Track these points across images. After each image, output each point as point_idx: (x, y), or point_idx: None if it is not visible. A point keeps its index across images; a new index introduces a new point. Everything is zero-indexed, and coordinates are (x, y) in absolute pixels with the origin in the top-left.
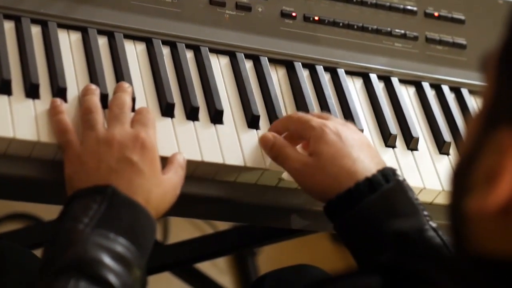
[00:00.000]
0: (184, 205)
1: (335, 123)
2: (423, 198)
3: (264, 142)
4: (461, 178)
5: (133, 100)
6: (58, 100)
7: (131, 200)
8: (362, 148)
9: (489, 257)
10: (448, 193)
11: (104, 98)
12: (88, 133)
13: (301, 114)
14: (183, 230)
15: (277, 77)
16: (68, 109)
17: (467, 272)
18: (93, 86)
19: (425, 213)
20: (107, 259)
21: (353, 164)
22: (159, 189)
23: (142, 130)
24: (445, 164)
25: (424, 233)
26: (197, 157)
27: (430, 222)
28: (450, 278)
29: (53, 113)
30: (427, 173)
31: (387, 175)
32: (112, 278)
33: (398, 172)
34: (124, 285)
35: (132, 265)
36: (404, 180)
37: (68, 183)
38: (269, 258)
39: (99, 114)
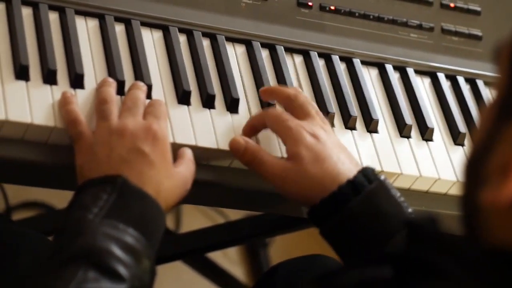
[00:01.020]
0: (197, 192)
1: (312, 125)
2: (437, 189)
3: (234, 147)
4: (474, 169)
5: (149, 90)
6: (69, 92)
7: (141, 191)
8: (340, 149)
9: (502, 248)
10: (461, 183)
11: (121, 85)
12: (101, 123)
13: (278, 112)
14: (195, 219)
15: (293, 66)
16: (84, 96)
17: (478, 263)
18: (110, 80)
19: (409, 210)
20: (116, 250)
21: (335, 166)
22: (170, 181)
23: (154, 121)
24: (460, 155)
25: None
26: (213, 145)
27: None
28: (462, 268)
29: (63, 104)
30: (442, 164)
31: (368, 175)
32: (121, 269)
33: (377, 171)
34: (133, 275)
35: (141, 255)
36: (386, 178)
37: (79, 173)
38: (281, 248)
39: (113, 105)
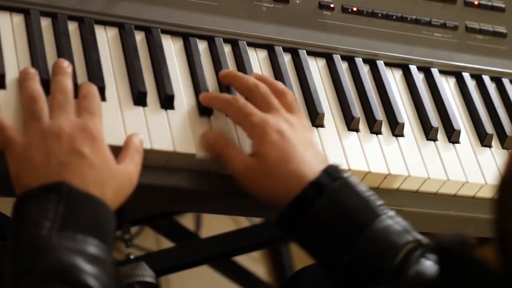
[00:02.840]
0: (220, 201)
1: (277, 119)
2: (465, 192)
3: (205, 139)
4: (507, 195)
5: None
6: None
7: (88, 195)
8: (306, 147)
9: None
10: (493, 205)
11: (143, 96)
12: (32, 125)
13: (241, 104)
14: (215, 220)
15: (317, 70)
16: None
17: None
18: (32, 71)
19: (379, 202)
20: (82, 263)
21: (299, 166)
22: (114, 181)
23: (89, 119)
24: (487, 157)
25: (398, 238)
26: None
27: (386, 211)
28: None
29: None
30: (469, 167)
31: (332, 173)
32: (92, 281)
33: (342, 167)
34: (104, 286)
35: (106, 263)
36: (350, 175)
37: (16, 182)
38: None
39: (43, 103)
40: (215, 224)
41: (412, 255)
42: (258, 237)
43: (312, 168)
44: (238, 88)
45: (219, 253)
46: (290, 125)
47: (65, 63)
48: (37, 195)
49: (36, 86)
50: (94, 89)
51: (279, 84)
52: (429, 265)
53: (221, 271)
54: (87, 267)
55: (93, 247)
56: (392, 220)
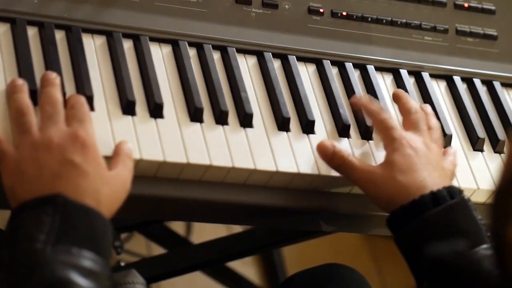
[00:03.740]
0: (214, 211)
1: (416, 138)
2: None
3: (322, 151)
4: (502, 204)
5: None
6: None
7: (84, 206)
8: (435, 167)
9: None
10: (490, 217)
11: (131, 105)
12: (22, 138)
13: (385, 117)
14: (206, 225)
15: (307, 75)
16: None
17: None
18: (20, 82)
19: (488, 234)
20: (77, 277)
21: (423, 179)
22: (108, 187)
23: (79, 127)
24: (479, 162)
25: (464, 257)
26: (227, 163)
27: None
28: None
29: None
30: (461, 171)
31: (453, 192)
32: None
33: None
34: None
35: (101, 277)
36: (469, 200)
37: (11, 196)
38: (294, 248)
39: (32, 116)
40: (206, 230)
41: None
42: (250, 242)
43: (435, 184)
44: (400, 107)
45: (211, 259)
46: (427, 147)
47: (53, 75)
48: (32, 207)
49: (24, 98)
50: (81, 98)
51: (435, 120)
52: None
53: (213, 276)
54: (82, 281)
55: (88, 260)
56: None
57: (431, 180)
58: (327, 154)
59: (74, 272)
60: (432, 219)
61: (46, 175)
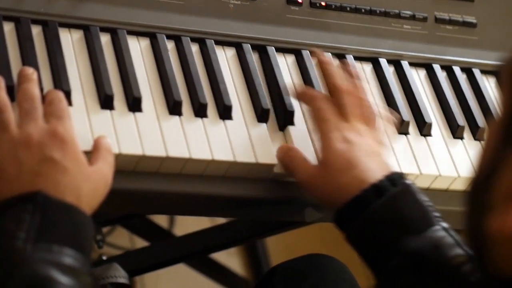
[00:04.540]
0: (195, 204)
1: (349, 128)
2: (438, 185)
3: (279, 151)
4: (479, 195)
5: (139, 103)
6: None
7: (65, 204)
8: (371, 156)
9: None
10: (465, 209)
11: (109, 99)
12: (1, 136)
13: (322, 106)
14: (189, 217)
15: (286, 66)
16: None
17: None
18: None
19: (436, 214)
20: (57, 275)
21: (361, 173)
22: (89, 183)
23: (58, 124)
24: (460, 149)
25: (439, 249)
26: (207, 156)
27: (441, 223)
28: None
29: None
30: (442, 160)
31: (394, 179)
32: None
33: (406, 176)
34: None
35: (81, 274)
36: (413, 183)
37: None
38: (279, 239)
39: (9, 113)
40: (189, 222)
41: (460, 269)
42: (233, 233)
43: (375, 175)
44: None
45: (195, 251)
46: (359, 135)
47: (30, 70)
48: (12, 206)
49: (1, 95)
50: (59, 94)
51: (364, 95)
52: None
53: (197, 267)
54: (63, 279)
55: (69, 257)
56: (446, 232)
57: (369, 173)
58: (279, 154)
59: (55, 269)
60: (378, 212)
61: (26, 172)
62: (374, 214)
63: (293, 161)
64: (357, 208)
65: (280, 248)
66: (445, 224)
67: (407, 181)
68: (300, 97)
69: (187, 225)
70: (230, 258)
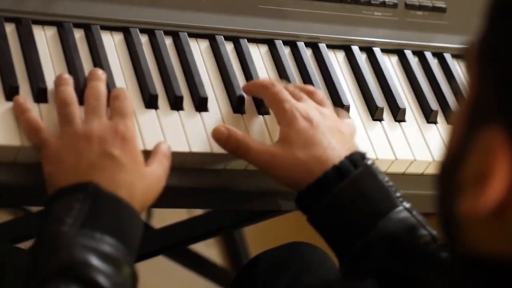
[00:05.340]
0: (174, 196)
1: (308, 107)
2: (414, 170)
3: (216, 136)
4: (448, 179)
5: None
6: (21, 98)
7: (115, 196)
8: (333, 134)
9: (484, 258)
10: (436, 192)
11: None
12: (65, 128)
13: (277, 90)
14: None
15: (260, 57)
16: (49, 109)
17: (462, 274)
18: (66, 75)
19: (398, 194)
20: (95, 260)
21: (324, 152)
22: (143, 182)
23: (120, 122)
24: (434, 134)
25: (406, 230)
26: (184, 148)
27: (404, 203)
28: (445, 280)
29: (19, 113)
30: (416, 144)
31: (356, 160)
32: (101, 279)
33: (368, 155)
34: (115, 285)
35: (121, 263)
36: (373, 163)
37: (48, 182)
38: (256, 228)
39: (75, 107)
40: (166, 214)
41: (428, 249)
42: (211, 224)
43: (337, 154)
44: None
45: (173, 243)
46: (320, 113)
47: (100, 71)
48: (65, 194)
49: (69, 89)
50: (125, 91)
51: (308, 85)
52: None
53: (176, 259)
54: (99, 265)
55: (108, 246)
56: (409, 212)
57: (332, 151)
58: (221, 139)
59: (93, 255)
60: (340, 194)
61: (84, 164)
62: (336, 197)
63: (243, 141)
64: (319, 191)
65: (259, 237)
66: (407, 205)
67: (368, 162)
68: (251, 89)
69: (164, 217)
70: (209, 249)
